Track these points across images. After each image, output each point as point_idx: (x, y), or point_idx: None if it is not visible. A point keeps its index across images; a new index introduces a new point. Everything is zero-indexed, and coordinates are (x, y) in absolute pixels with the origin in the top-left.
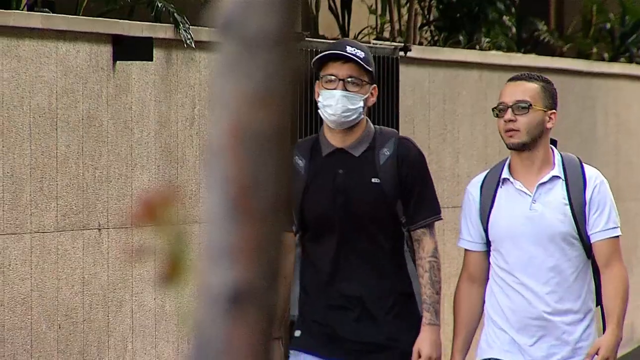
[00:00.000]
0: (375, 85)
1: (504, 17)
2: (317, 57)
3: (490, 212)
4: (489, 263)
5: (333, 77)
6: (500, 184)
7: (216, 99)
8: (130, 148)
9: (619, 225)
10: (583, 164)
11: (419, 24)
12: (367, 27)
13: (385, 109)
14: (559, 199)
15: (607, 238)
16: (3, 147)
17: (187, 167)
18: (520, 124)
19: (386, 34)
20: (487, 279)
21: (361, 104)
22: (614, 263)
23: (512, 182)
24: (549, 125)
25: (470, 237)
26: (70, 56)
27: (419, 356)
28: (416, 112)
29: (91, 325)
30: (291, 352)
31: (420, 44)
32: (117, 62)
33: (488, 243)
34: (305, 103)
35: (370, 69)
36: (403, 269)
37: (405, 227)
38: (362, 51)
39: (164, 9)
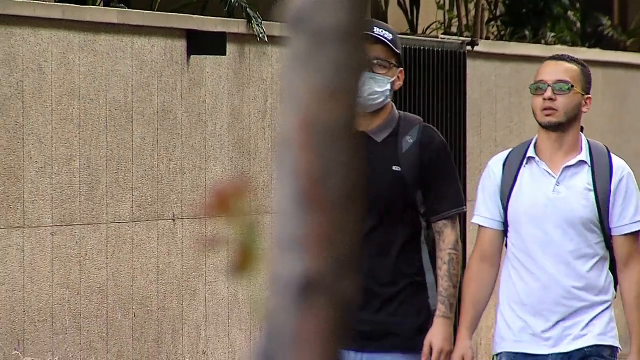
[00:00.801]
0: (402, 68)
1: (569, 13)
2: None
3: (511, 190)
4: (503, 244)
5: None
6: (525, 162)
7: (287, 92)
8: (204, 140)
9: None
10: (611, 153)
11: (485, 19)
12: (435, 22)
13: (452, 103)
14: (584, 184)
15: (632, 232)
16: (80, 139)
17: (260, 159)
18: (559, 104)
19: (454, 29)
20: (499, 261)
21: (388, 87)
22: (635, 259)
23: (537, 162)
24: (584, 109)
25: (488, 213)
26: (146, 51)
27: (431, 349)
28: (483, 105)
29: (165, 313)
30: None
31: (487, 38)
32: (191, 56)
33: (505, 223)
34: None
35: (398, 52)
36: (417, 260)
37: (425, 217)
38: (390, 33)
39: (237, 4)
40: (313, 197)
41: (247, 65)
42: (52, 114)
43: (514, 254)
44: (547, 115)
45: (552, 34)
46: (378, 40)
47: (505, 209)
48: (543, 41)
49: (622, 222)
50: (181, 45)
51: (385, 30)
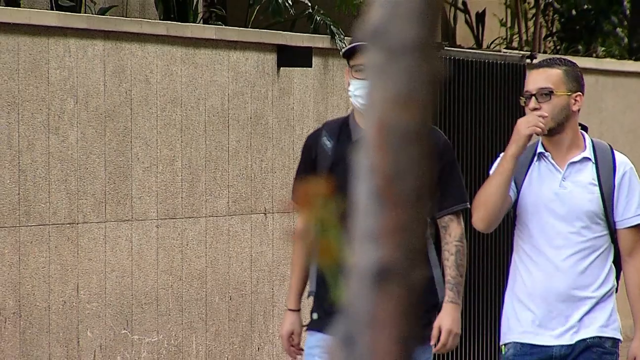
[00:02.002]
0: None
1: (617, 29)
2: (346, 47)
3: (522, 184)
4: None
5: (363, 67)
6: (535, 159)
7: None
8: (292, 143)
9: None
10: (613, 149)
11: (543, 35)
12: (498, 37)
13: (513, 109)
14: (589, 179)
15: (636, 224)
16: (182, 142)
17: None
18: (545, 111)
19: (515, 44)
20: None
21: None
22: (638, 250)
23: (546, 157)
24: (574, 107)
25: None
26: (240, 63)
27: (440, 331)
28: None
29: (258, 297)
30: (308, 332)
31: (544, 52)
32: (281, 68)
33: (514, 216)
34: (442, 102)
35: None
36: (424, 255)
37: (430, 214)
38: None
39: (321, 22)
40: (387, 193)
41: (330, 76)
42: (157, 120)
43: (521, 247)
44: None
45: (602, 48)
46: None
47: (515, 202)
48: (594, 54)
49: (627, 215)
50: (272, 58)
51: None
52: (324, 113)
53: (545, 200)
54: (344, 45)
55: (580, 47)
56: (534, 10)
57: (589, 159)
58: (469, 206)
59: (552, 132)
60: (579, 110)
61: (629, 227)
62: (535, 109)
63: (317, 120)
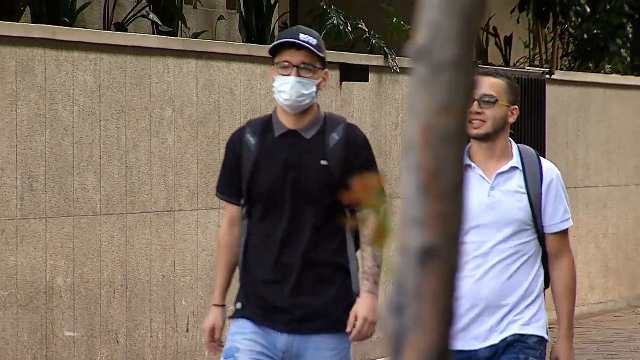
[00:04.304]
0: (326, 70)
1: (622, 50)
2: (272, 44)
3: None
4: None
5: (287, 64)
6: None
7: (412, 109)
8: None
9: (571, 216)
10: (540, 157)
11: (560, 55)
12: (523, 57)
13: (536, 117)
14: (517, 187)
15: (562, 230)
16: None
17: (393, 159)
18: (486, 117)
19: (536, 62)
20: None
21: (314, 89)
22: (564, 254)
23: (473, 169)
24: (511, 119)
25: None
26: None
27: (356, 319)
28: (558, 118)
29: None
30: (232, 320)
31: (561, 69)
32: (343, 82)
33: None
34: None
35: (322, 55)
36: (344, 248)
37: (349, 207)
38: (315, 38)
39: (377, 44)
40: (430, 186)
41: (384, 89)
42: (240, 125)
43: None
44: (475, 128)
45: (609, 66)
46: (302, 47)
47: None
48: (603, 71)
49: (554, 221)
50: (335, 74)
51: (310, 36)
52: (378, 119)
53: (474, 210)
54: (395, 64)
55: (591, 65)
56: (552, 35)
57: (516, 167)
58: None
59: (488, 138)
60: (512, 123)
61: (556, 233)
62: (477, 113)
63: (373, 125)
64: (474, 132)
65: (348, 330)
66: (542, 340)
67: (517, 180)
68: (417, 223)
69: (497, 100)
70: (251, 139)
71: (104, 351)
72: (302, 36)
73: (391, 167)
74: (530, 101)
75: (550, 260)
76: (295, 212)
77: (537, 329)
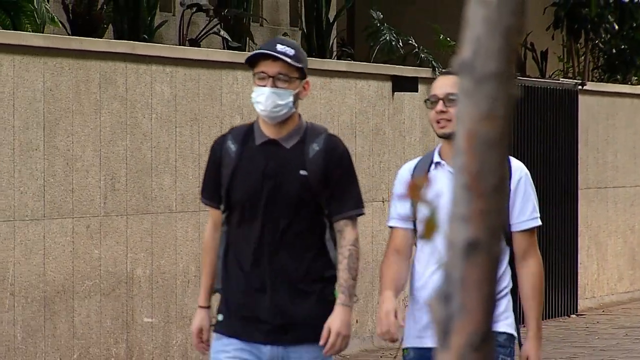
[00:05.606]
0: (307, 80)
1: None
2: (249, 55)
3: None
4: (413, 242)
5: (263, 74)
6: (433, 167)
7: (458, 116)
8: (403, 148)
9: (539, 215)
10: (508, 156)
11: (591, 68)
12: (557, 70)
13: (569, 124)
14: None
15: (529, 228)
16: None
17: None
18: (451, 115)
19: (569, 75)
20: (410, 256)
21: (291, 99)
22: (531, 254)
23: (443, 165)
24: None
25: (397, 216)
26: (364, 89)
27: (329, 333)
28: (589, 124)
29: (377, 264)
30: (214, 335)
31: (592, 81)
32: (395, 93)
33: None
34: (515, 118)
35: (299, 65)
36: (324, 256)
37: (328, 217)
38: (293, 48)
39: (425, 58)
40: (474, 186)
41: None
42: None
43: (422, 251)
44: (441, 127)
45: (635, 78)
46: (278, 58)
47: (416, 209)
48: (629, 82)
49: (521, 219)
50: (388, 85)
51: (288, 47)
52: (426, 126)
53: (445, 206)
54: None
55: (618, 76)
56: (584, 49)
57: None
58: (363, 212)
59: (454, 136)
60: None
61: (523, 231)
62: (442, 112)
63: (422, 131)
64: (440, 131)
65: (321, 343)
66: (511, 337)
67: None
68: (462, 219)
69: None
70: (232, 146)
71: (178, 335)
72: (279, 47)
73: None
74: (563, 110)
75: (517, 260)
76: (272, 220)
77: (506, 326)
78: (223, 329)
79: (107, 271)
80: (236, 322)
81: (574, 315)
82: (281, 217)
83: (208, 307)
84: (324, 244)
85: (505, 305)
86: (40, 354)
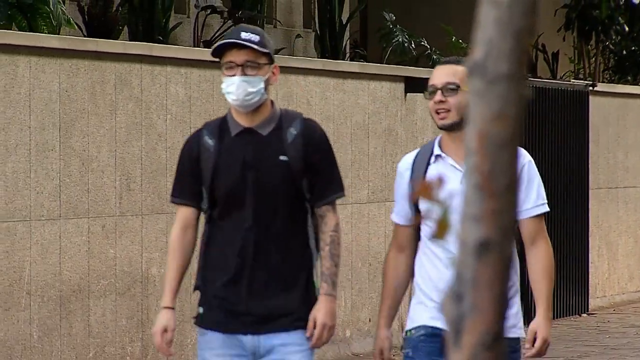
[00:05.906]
0: (275, 64)
1: None
2: (214, 46)
3: None
4: (416, 237)
5: (232, 64)
6: (433, 160)
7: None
8: (415, 149)
9: (546, 201)
10: None
11: (601, 69)
12: (568, 71)
13: (580, 123)
14: None
15: (536, 215)
16: (334, 148)
17: None
18: (450, 105)
19: (580, 76)
20: (415, 250)
21: (262, 85)
22: (540, 239)
23: (444, 158)
24: None
25: (400, 211)
26: (377, 90)
27: (314, 323)
28: (600, 125)
29: None
30: (198, 329)
31: (603, 82)
32: (407, 94)
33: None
34: (526, 119)
35: (266, 51)
36: (306, 244)
37: (310, 202)
38: (257, 35)
39: (437, 59)
40: (486, 186)
41: None
42: None
43: (426, 244)
44: (441, 118)
45: None
46: (244, 46)
47: (417, 204)
48: (639, 84)
49: (527, 206)
50: (400, 86)
51: (253, 33)
52: None
53: (448, 199)
54: None
55: (629, 78)
56: (595, 51)
57: None
58: (344, 195)
59: (454, 127)
60: None
61: (529, 218)
62: (441, 102)
63: (434, 132)
64: (440, 122)
65: (307, 335)
66: (517, 340)
67: None
68: (474, 219)
69: (459, 87)
70: (209, 141)
71: (193, 334)
72: (243, 34)
73: None
74: (574, 111)
75: (526, 246)
76: (257, 210)
77: (517, 331)
78: (205, 322)
79: (123, 270)
80: (218, 314)
81: (585, 314)
82: (265, 206)
83: (173, 308)
84: (306, 231)
85: (517, 297)
86: (56, 352)
